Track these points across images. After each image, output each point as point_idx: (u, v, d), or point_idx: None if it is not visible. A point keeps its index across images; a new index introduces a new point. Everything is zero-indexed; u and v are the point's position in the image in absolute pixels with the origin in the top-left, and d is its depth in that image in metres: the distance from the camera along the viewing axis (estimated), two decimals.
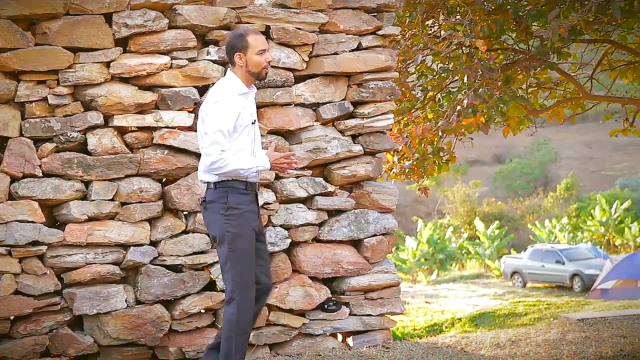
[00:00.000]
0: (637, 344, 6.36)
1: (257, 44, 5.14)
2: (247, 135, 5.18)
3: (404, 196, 42.38)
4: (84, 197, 5.74)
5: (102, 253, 5.73)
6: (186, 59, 5.93)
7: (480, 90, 8.77)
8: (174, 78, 5.89)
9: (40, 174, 5.61)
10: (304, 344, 6.20)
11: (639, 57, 10.22)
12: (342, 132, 6.34)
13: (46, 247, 5.60)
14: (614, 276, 23.82)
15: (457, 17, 9.16)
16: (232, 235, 5.11)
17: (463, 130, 9.84)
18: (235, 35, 5.21)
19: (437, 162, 10.21)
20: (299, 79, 6.29)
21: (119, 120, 5.77)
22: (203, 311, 6.02)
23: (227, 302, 5.14)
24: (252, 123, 5.23)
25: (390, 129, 6.87)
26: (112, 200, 5.77)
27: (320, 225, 6.30)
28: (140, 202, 5.84)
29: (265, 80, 5.94)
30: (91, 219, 5.72)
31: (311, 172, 6.26)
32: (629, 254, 27.47)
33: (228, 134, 5.06)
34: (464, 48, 9.33)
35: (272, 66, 6.07)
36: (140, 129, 5.88)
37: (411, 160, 10.20)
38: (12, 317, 5.59)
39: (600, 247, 33.54)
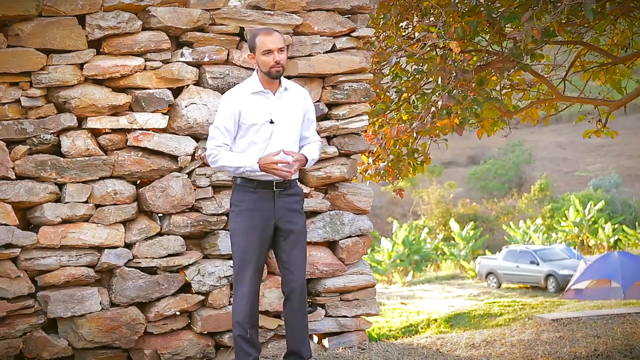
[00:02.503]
0: (610, 344, 6.40)
1: (262, 44, 5.31)
2: (255, 133, 5.37)
3: (379, 197, 42.57)
4: (58, 200, 5.71)
5: (76, 255, 5.70)
6: (160, 61, 5.91)
7: (454, 91, 8.80)
8: (148, 80, 5.87)
9: (13, 176, 5.56)
10: (280, 346, 6.19)
11: (611, 58, 10.30)
12: (316, 133, 6.34)
13: (20, 249, 5.56)
14: (587, 276, 24.02)
15: (431, 18, 9.19)
16: (231, 231, 5.48)
17: (437, 131, 9.89)
18: (250, 36, 5.44)
19: (411, 163, 10.25)
20: None
21: (92, 122, 5.74)
22: (178, 313, 6.00)
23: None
24: (271, 122, 5.37)
25: (365, 131, 6.88)
26: (86, 202, 5.74)
27: None
28: (115, 204, 5.81)
29: (239, 82, 5.96)
30: (65, 222, 5.69)
31: None
32: (603, 254, 27.67)
33: (225, 130, 5.36)
34: (437, 50, 9.37)
35: (245, 68, 6.09)
36: (114, 130, 5.85)
37: (386, 162, 10.24)
38: None
39: (574, 248, 33.80)
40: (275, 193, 5.40)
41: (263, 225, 5.39)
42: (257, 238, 5.37)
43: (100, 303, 5.74)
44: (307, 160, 5.48)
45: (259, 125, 5.36)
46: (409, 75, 10.18)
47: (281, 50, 5.33)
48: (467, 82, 9.01)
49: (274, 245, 5.53)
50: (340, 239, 6.39)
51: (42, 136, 5.61)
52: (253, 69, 6.07)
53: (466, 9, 9.12)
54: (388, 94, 10.15)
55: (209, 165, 5.99)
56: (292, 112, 5.47)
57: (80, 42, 5.69)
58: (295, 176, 5.50)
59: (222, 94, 6.01)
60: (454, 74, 8.75)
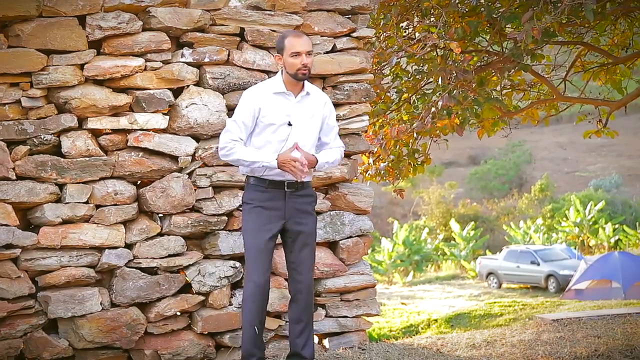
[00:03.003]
0: (611, 344, 6.40)
1: (291, 45, 5.31)
2: (272, 133, 5.38)
3: (379, 198, 42.54)
4: (58, 200, 5.71)
5: (76, 256, 5.70)
6: (160, 61, 5.91)
7: (454, 92, 8.80)
8: (148, 80, 5.87)
9: (14, 177, 5.56)
10: (280, 346, 6.19)
11: (612, 58, 10.30)
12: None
13: (20, 250, 5.55)
14: (588, 277, 24.02)
15: (432, 19, 9.19)
16: (243, 228, 5.53)
17: (438, 131, 9.89)
18: (279, 37, 5.47)
19: (412, 163, 10.25)
20: None
21: (93, 123, 5.74)
22: (179, 314, 6.00)
23: None
24: (289, 124, 5.37)
25: (366, 131, 6.87)
26: (86, 202, 5.74)
27: None
28: (115, 204, 5.81)
29: (240, 83, 5.98)
30: (65, 222, 5.68)
31: None
32: (603, 254, 27.66)
33: (243, 125, 5.36)
34: (438, 50, 9.36)
35: (246, 68, 6.08)
36: (115, 131, 5.84)
37: (386, 162, 10.24)
38: None
39: (575, 248, 33.78)
40: (287, 193, 5.41)
41: (272, 224, 5.40)
42: (266, 236, 5.38)
43: (101, 303, 5.74)
44: (317, 162, 5.46)
45: (277, 125, 5.36)
46: (409, 75, 10.17)
47: (309, 54, 5.33)
48: (468, 83, 9.01)
49: (283, 245, 5.55)
50: (341, 239, 6.39)
51: (42, 137, 5.61)
52: (253, 70, 6.10)
53: (466, 10, 9.12)
54: (388, 94, 10.15)
55: (209, 166, 5.99)
56: (311, 116, 5.48)
57: (80, 43, 5.69)
58: (308, 178, 5.50)
59: (222, 94, 6.03)
60: (455, 75, 8.75)
